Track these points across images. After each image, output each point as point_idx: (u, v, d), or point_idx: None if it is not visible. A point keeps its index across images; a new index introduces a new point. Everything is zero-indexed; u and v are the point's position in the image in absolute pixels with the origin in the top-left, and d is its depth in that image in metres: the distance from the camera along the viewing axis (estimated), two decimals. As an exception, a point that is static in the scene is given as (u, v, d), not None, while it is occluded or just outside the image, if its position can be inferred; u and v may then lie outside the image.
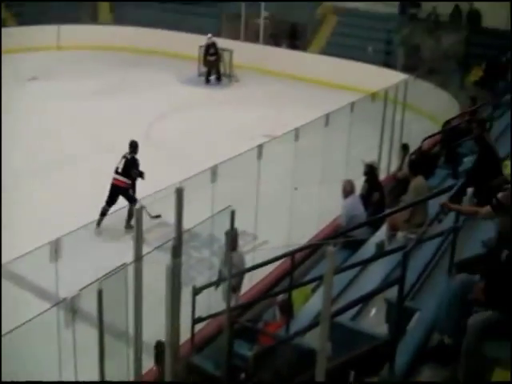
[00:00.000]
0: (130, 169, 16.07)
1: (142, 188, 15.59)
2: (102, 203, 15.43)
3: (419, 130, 18.84)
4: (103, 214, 15.52)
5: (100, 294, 7.58)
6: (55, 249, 7.89)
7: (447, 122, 17.71)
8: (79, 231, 8.43)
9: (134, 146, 16.42)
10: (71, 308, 7.67)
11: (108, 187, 15.97)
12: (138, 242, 8.49)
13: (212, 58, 29.50)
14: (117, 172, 16.16)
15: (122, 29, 34.56)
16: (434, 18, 30.61)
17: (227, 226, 9.42)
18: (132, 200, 15.55)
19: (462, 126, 16.61)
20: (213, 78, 29.64)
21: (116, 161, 16.61)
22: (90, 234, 8.65)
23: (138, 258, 8.45)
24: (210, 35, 29.69)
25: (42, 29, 32.64)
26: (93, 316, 7.88)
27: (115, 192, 15.98)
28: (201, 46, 29.86)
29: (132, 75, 29.06)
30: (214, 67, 29.63)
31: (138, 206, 8.49)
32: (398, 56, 29.70)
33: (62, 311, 7.76)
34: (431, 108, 23.51)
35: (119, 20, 36.00)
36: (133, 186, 16.09)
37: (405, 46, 29.96)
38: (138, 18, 34.69)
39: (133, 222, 15.23)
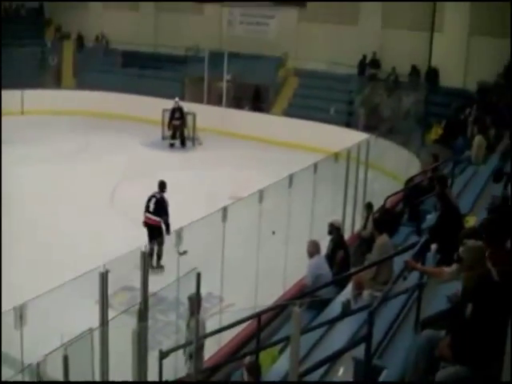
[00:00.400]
0: (161, 207, 16.70)
1: (109, 251, 15.55)
2: (67, 266, 15.22)
3: (382, 189, 19.04)
4: (150, 254, 15.52)
5: (65, 359, 7.51)
6: (20, 314, 7.80)
7: (410, 180, 17.94)
8: (45, 295, 8.34)
9: (162, 186, 17.18)
10: (37, 374, 7.58)
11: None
12: (104, 306, 8.44)
13: (177, 123, 29.65)
14: (148, 211, 16.88)
15: (85, 93, 34.86)
16: (394, 79, 31.12)
17: (193, 289, 9.41)
18: (162, 240, 15.91)
19: (424, 183, 16.84)
20: (177, 142, 29.73)
21: (80, 225, 16.55)
22: (56, 297, 8.56)
23: (104, 322, 8.39)
24: (176, 99, 29.91)
25: (5, 94, 32.61)
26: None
27: (151, 230, 16.67)
28: (164, 110, 30.01)
29: (96, 139, 29.10)
30: (178, 131, 29.76)
31: (103, 270, 8.43)
32: (360, 116, 30.07)
33: (28, 377, 7.67)
34: (393, 166, 23.79)
35: (82, 85, 36.25)
36: (166, 225, 16.54)
37: (365, 106, 30.37)
38: (100, 82, 34.98)
39: (163, 261, 15.80)
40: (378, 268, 10.65)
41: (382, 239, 11.38)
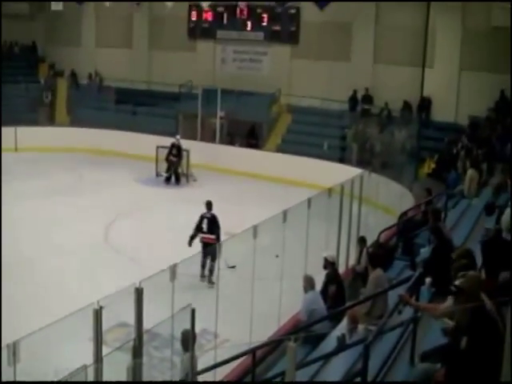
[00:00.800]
0: (214, 224, 18.49)
1: (104, 288, 15.50)
2: (61, 303, 15.06)
3: (376, 223, 19.08)
4: (203, 266, 17.81)
5: (60, 396, 7.46)
6: (13, 351, 7.73)
7: (403, 214, 17.97)
8: (39, 332, 8.28)
9: (209, 205, 18.99)
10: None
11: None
12: (98, 343, 8.39)
13: (173, 159, 29.77)
14: (202, 232, 18.47)
15: (79, 130, 34.96)
16: (387, 114, 31.28)
17: (188, 325, 9.37)
18: (215, 257, 16.39)
19: (418, 217, 16.89)
20: (172, 175, 29.81)
21: (74, 261, 16.58)
22: (49, 334, 8.49)
23: (98, 359, 8.35)
24: (178, 137, 30.13)
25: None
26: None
27: (206, 247, 17.92)
28: (158, 147, 30.12)
29: (90, 176, 29.09)
30: (173, 167, 29.84)
31: (97, 307, 8.40)
32: (352, 151, 30.17)
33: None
34: (386, 201, 23.82)
35: (76, 122, 36.44)
36: (217, 238, 18.09)
37: (358, 141, 30.48)
38: (94, 119, 35.13)
39: (214, 278, 16.30)
40: (372, 302, 10.66)
41: (376, 273, 11.39)
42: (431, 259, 11.41)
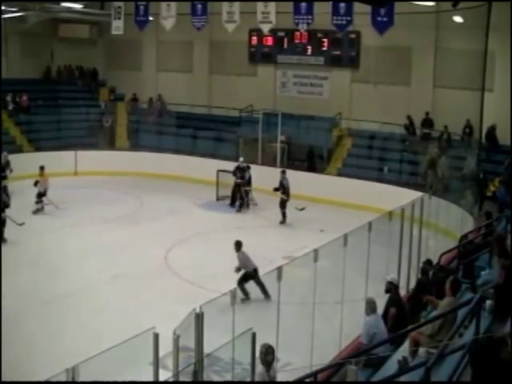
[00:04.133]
0: None
1: (165, 313, 15.66)
2: (121, 328, 15.15)
3: (436, 246, 18.98)
4: None
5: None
6: (72, 377, 7.80)
7: (464, 237, 17.86)
8: (98, 357, 8.36)
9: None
10: None
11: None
12: (157, 367, 8.49)
13: (237, 181, 29.80)
14: None
15: (139, 154, 35.58)
16: (447, 137, 31.04)
17: (249, 349, 9.44)
18: None
19: (478, 240, 16.76)
20: (237, 201, 29.81)
21: (134, 286, 16.82)
22: (109, 359, 8.55)
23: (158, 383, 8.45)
24: (241, 159, 30.26)
25: (59, 155, 33.32)
26: None
27: None
28: (218, 171, 30.36)
29: (149, 200, 29.35)
30: (237, 191, 29.87)
31: (157, 331, 8.49)
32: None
33: None
34: (447, 224, 23.62)
35: (136, 146, 37.14)
36: None
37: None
38: (154, 143, 35.86)
39: None
40: (440, 326, 10.62)
41: (451, 300, 11.36)
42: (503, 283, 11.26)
